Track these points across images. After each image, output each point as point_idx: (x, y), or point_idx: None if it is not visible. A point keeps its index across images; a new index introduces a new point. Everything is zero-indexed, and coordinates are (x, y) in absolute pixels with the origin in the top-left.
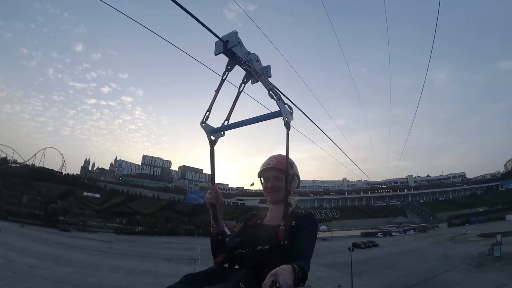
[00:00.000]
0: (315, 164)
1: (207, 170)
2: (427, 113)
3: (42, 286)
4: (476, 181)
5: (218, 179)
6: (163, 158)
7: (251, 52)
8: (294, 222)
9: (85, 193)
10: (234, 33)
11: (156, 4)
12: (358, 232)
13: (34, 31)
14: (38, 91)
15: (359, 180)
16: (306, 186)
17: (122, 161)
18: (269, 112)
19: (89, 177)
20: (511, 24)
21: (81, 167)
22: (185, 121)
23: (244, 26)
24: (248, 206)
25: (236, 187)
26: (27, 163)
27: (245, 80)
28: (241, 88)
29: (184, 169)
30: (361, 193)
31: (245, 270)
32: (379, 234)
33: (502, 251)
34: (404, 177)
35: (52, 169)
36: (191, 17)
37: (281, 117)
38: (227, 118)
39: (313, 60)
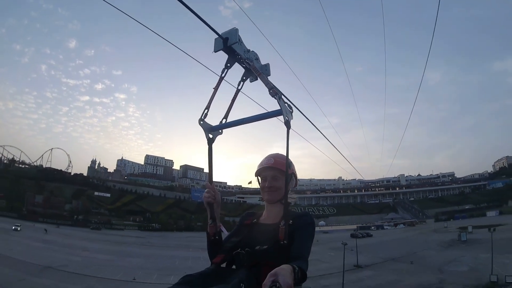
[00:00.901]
0: (309, 162)
1: (207, 169)
2: (420, 112)
3: (131, 273)
4: (464, 180)
5: (216, 178)
6: (165, 158)
7: (251, 50)
8: (291, 221)
9: (96, 193)
10: (235, 30)
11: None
12: (354, 226)
13: (28, 27)
14: (31, 87)
15: (354, 179)
16: (303, 185)
17: (127, 161)
18: (267, 111)
19: (97, 177)
20: (506, 25)
21: (88, 167)
22: (182, 118)
23: (238, 23)
24: (250, 204)
25: (235, 185)
26: (35, 163)
27: (244, 78)
28: (240, 86)
29: (185, 168)
30: (356, 191)
31: (245, 270)
32: (372, 227)
33: (468, 237)
34: (396, 176)
35: (61, 170)
36: (186, 14)
37: (282, 116)
38: (225, 116)
39: (308, 58)
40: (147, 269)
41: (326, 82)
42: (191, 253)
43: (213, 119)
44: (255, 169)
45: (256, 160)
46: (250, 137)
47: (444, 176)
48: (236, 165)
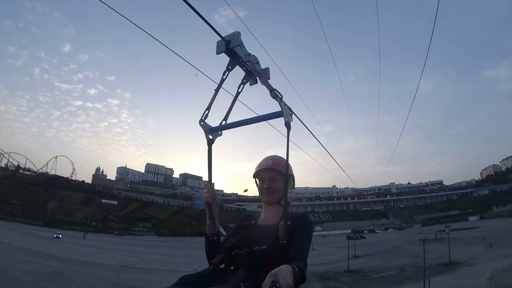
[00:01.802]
0: (300, 169)
1: (206, 177)
2: (410, 120)
3: (189, 267)
4: (452, 188)
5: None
6: (165, 166)
7: (251, 54)
8: (289, 222)
9: (103, 200)
10: (237, 34)
11: (146, 5)
12: (348, 231)
13: (23, 30)
14: (23, 91)
15: (347, 187)
16: (299, 193)
17: (129, 169)
18: (265, 113)
19: (102, 184)
20: (494, 35)
21: (93, 175)
22: (181, 127)
23: (233, 30)
24: (249, 211)
25: (231, 193)
26: (41, 171)
27: (244, 81)
28: (240, 89)
29: (184, 176)
30: (349, 198)
31: (245, 270)
32: (365, 231)
33: (443, 236)
34: (387, 184)
35: (67, 177)
36: (183, 19)
37: (282, 118)
38: (225, 118)
39: (301, 67)
40: (196, 263)
41: (318, 90)
42: None
43: (213, 122)
44: (251, 175)
45: (250, 168)
46: (245, 144)
47: (433, 184)
48: (231, 173)
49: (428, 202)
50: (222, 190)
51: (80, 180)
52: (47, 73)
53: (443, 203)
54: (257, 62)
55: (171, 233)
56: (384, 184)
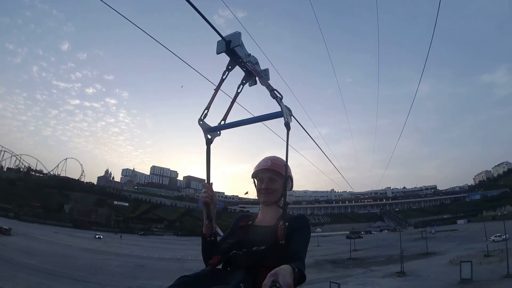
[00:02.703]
0: (298, 171)
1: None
2: (407, 123)
3: None
4: (445, 192)
5: (214, 188)
6: (170, 169)
7: (251, 55)
8: (287, 223)
9: (115, 202)
10: (238, 34)
11: (146, 4)
12: (347, 232)
13: (22, 27)
14: (21, 88)
15: (345, 191)
16: (299, 196)
17: (137, 172)
18: (264, 113)
19: (112, 186)
20: (492, 40)
21: (98, 177)
22: (183, 127)
23: (232, 31)
24: (253, 213)
25: (231, 195)
26: (51, 173)
27: (244, 81)
28: (240, 89)
29: (188, 178)
30: (347, 202)
31: (244, 271)
32: (362, 232)
33: (428, 236)
34: (383, 188)
35: (79, 179)
36: (182, 19)
37: (282, 118)
38: (224, 118)
39: (299, 69)
40: None
41: (316, 93)
42: None
43: (212, 122)
44: (252, 174)
45: (251, 170)
46: (246, 146)
47: (427, 188)
48: (232, 175)
49: (422, 206)
50: (223, 192)
51: (90, 181)
52: (45, 71)
53: (436, 207)
54: (257, 63)
55: (187, 233)
56: (381, 189)
